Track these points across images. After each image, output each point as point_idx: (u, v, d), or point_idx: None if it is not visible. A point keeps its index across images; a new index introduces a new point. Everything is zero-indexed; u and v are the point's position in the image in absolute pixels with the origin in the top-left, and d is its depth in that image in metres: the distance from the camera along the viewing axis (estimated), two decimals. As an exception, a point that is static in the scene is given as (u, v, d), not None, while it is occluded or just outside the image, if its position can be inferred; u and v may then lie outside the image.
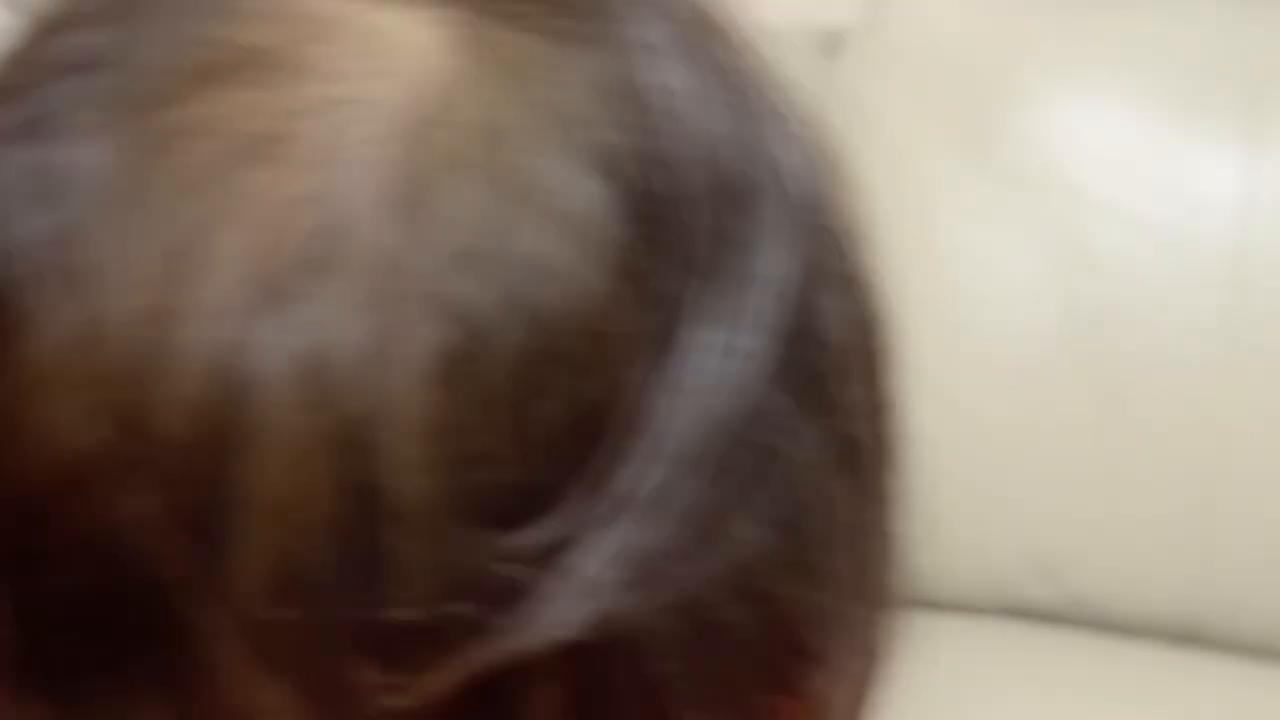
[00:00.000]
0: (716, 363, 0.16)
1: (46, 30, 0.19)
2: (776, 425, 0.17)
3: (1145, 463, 0.79)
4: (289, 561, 0.15)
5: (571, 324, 0.16)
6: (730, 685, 0.18)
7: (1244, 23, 0.73)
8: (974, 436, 0.78)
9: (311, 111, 0.16)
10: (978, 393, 0.78)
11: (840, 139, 0.20)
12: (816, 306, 0.18)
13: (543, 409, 0.15)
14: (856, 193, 0.20)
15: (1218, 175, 0.70)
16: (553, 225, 0.16)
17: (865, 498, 0.19)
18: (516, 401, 0.15)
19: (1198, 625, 0.79)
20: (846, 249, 0.19)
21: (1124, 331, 0.75)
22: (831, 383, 0.18)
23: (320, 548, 0.15)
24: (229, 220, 0.15)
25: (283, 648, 0.15)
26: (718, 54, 0.19)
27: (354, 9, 0.17)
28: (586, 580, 0.15)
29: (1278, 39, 0.73)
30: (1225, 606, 0.80)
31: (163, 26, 0.17)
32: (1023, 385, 0.76)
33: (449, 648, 0.15)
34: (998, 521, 0.81)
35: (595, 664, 0.16)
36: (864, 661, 0.20)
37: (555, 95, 0.17)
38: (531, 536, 0.15)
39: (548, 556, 0.15)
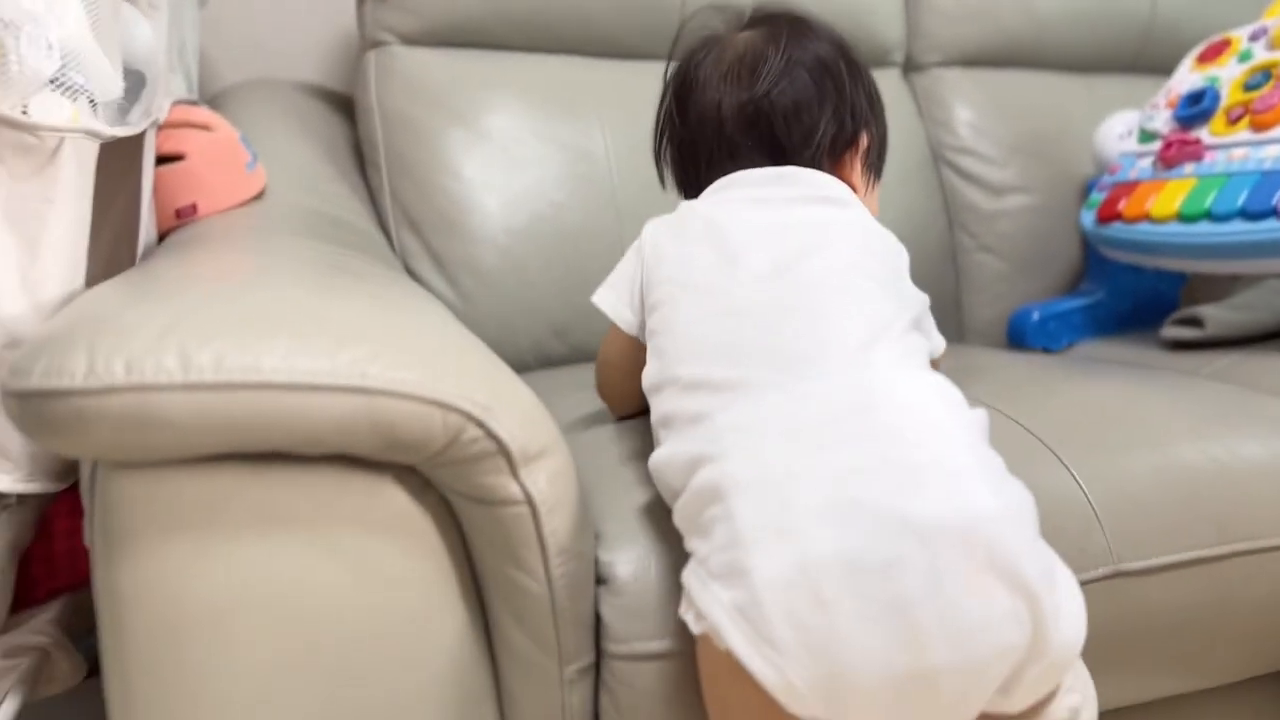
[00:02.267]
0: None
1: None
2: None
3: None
4: None
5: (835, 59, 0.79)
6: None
7: (582, 71, 1.23)
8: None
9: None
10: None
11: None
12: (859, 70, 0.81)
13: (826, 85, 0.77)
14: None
15: (581, 141, 1.20)
16: (821, 48, 0.79)
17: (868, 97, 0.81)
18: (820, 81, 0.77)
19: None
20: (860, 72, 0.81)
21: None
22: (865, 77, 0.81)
23: None
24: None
25: None
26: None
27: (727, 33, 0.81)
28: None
29: (602, 77, 1.23)
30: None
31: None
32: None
33: None
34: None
35: None
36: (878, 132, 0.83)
37: (808, 46, 0.78)
38: None
39: None
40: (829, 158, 0.77)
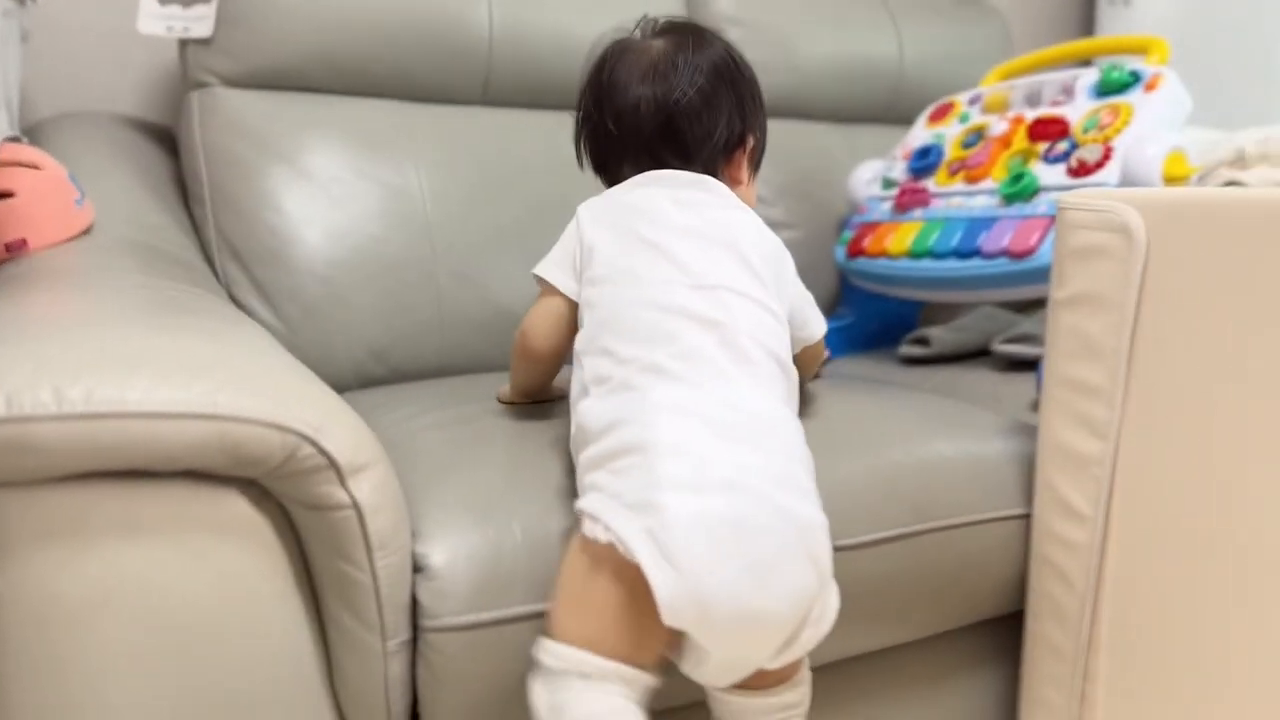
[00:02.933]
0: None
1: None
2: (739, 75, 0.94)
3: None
4: None
5: (730, 66, 0.93)
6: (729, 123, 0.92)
7: (398, 114, 1.35)
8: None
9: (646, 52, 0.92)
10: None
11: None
12: (747, 74, 0.96)
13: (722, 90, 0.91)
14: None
15: (397, 179, 1.32)
16: (714, 54, 0.92)
17: (754, 99, 0.96)
18: (717, 86, 0.91)
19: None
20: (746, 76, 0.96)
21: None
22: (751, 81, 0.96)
23: None
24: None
25: None
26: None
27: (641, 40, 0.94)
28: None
29: (415, 119, 1.36)
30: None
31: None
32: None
33: None
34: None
35: None
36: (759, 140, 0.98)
37: (708, 52, 0.92)
38: None
39: None
40: (724, 155, 0.92)
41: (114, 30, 1.42)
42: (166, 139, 1.41)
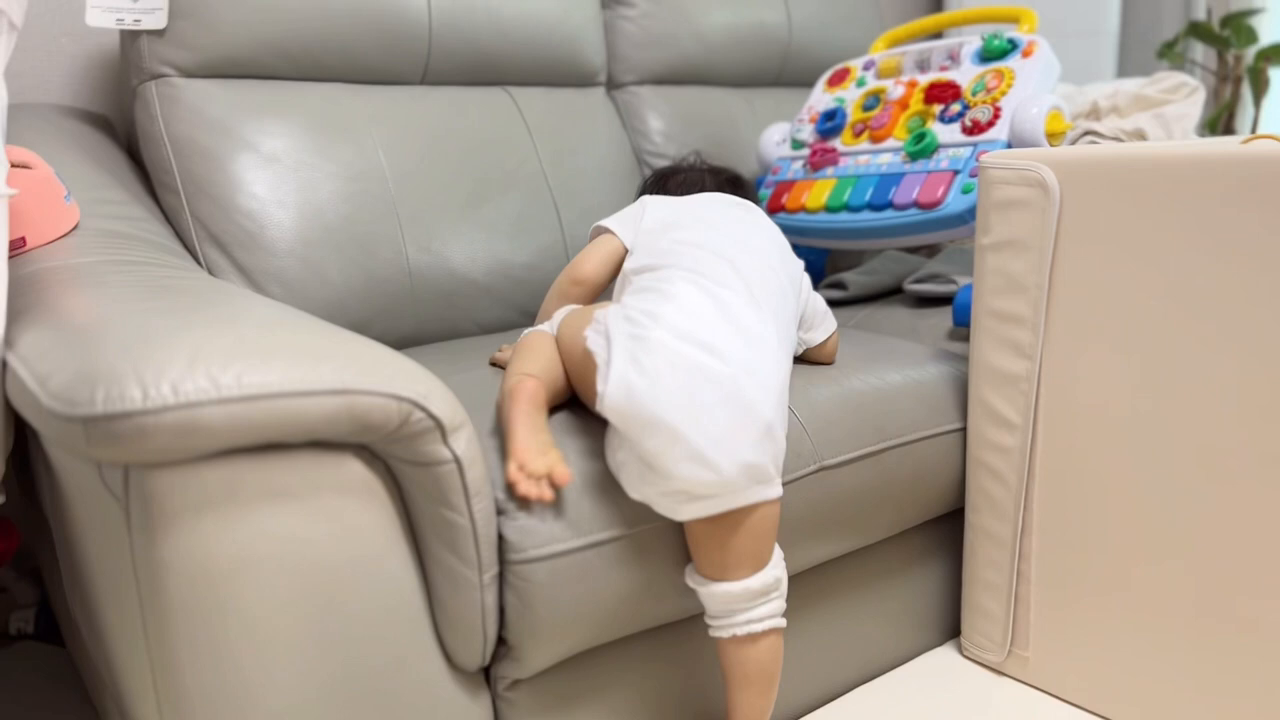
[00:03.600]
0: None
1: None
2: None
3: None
4: None
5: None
6: None
7: (351, 97, 1.40)
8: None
9: None
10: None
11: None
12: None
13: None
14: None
15: (360, 160, 1.36)
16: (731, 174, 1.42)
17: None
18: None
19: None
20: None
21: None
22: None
23: None
24: None
25: None
26: None
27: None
28: None
29: (369, 101, 1.41)
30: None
31: None
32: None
33: None
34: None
35: None
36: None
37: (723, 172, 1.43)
38: None
39: None
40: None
41: (38, 18, 1.42)
42: (105, 127, 1.42)
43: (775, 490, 0.89)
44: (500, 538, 0.85)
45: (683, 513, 0.87)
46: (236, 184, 1.27)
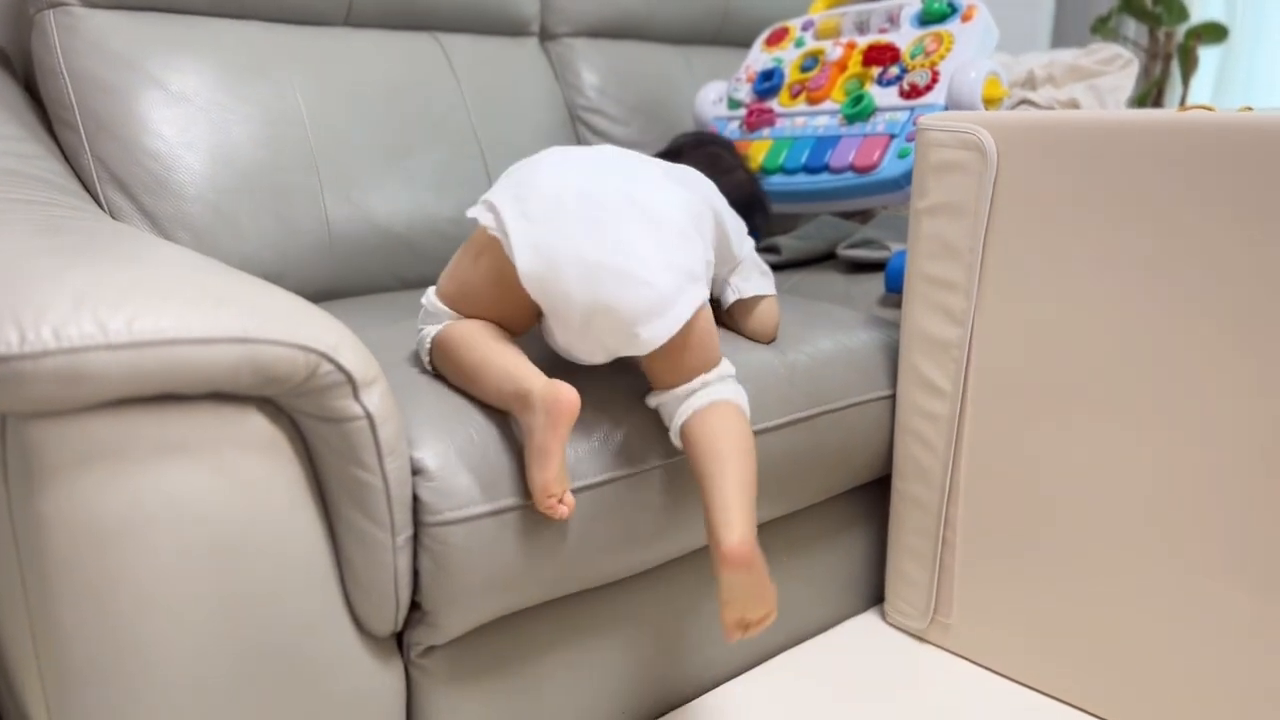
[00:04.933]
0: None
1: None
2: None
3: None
4: None
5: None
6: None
7: (268, 36, 1.33)
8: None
9: None
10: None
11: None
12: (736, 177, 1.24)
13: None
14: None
15: (276, 102, 1.31)
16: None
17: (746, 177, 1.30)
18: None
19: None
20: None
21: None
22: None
23: None
24: None
25: None
26: None
27: None
28: None
29: (285, 40, 1.35)
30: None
31: None
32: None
33: None
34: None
35: None
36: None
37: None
38: None
39: None
40: None
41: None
42: (1, 58, 1.33)
43: (704, 289, 0.89)
44: (415, 499, 0.81)
45: (644, 343, 0.86)
46: (142, 123, 1.20)
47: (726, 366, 0.93)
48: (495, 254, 0.89)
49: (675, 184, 0.93)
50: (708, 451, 0.87)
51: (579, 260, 0.84)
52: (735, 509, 0.83)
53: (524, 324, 0.93)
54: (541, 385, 0.81)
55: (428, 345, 0.92)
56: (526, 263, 0.85)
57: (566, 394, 0.80)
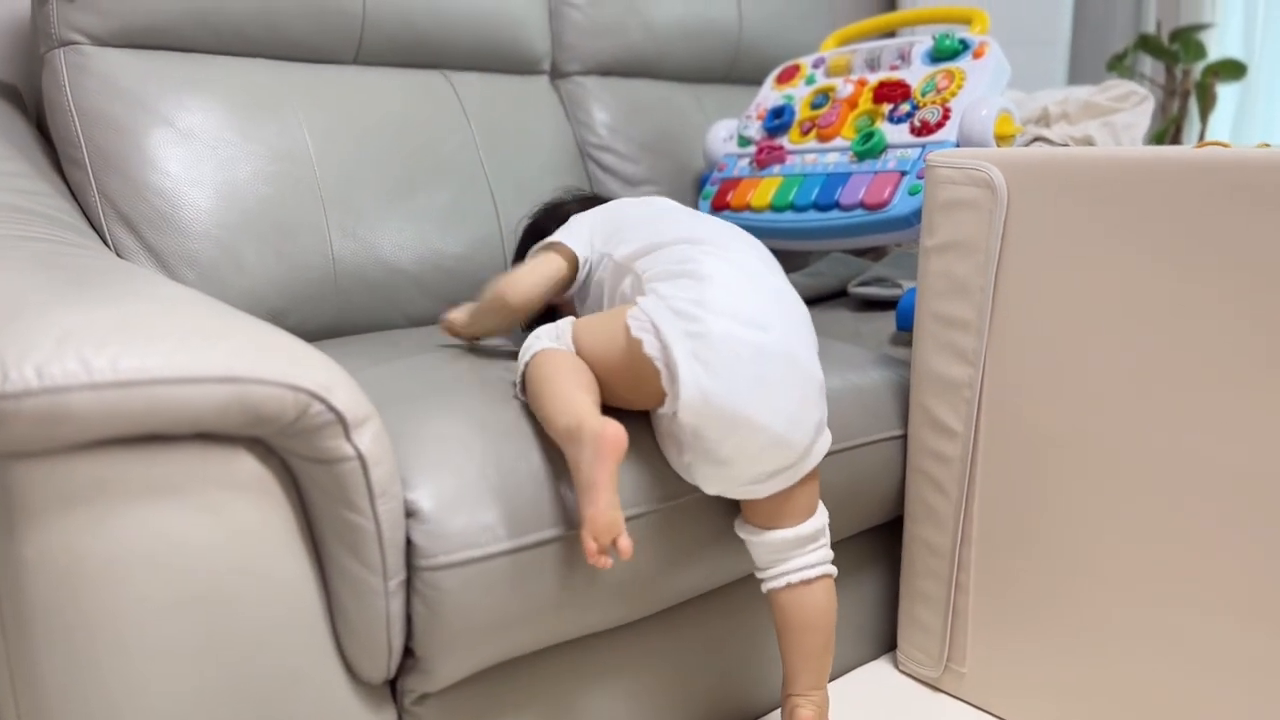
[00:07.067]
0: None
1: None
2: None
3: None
4: None
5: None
6: None
7: (276, 74, 1.33)
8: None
9: None
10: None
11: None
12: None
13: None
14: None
15: (283, 140, 1.30)
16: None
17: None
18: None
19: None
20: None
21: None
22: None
23: None
24: None
25: None
26: None
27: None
28: None
29: (294, 78, 1.34)
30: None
31: None
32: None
33: None
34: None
35: None
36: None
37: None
38: None
39: None
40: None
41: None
42: (12, 96, 1.34)
43: (828, 436, 0.93)
44: (408, 542, 0.79)
45: (763, 491, 0.89)
46: (148, 160, 1.20)
47: (821, 516, 0.95)
48: (648, 367, 0.85)
49: (806, 320, 0.95)
50: (800, 625, 0.94)
51: (744, 422, 0.84)
52: (815, 672, 0.95)
53: (627, 405, 0.90)
54: (592, 421, 0.81)
55: (527, 358, 0.91)
56: (690, 404, 0.83)
57: (613, 430, 0.80)
